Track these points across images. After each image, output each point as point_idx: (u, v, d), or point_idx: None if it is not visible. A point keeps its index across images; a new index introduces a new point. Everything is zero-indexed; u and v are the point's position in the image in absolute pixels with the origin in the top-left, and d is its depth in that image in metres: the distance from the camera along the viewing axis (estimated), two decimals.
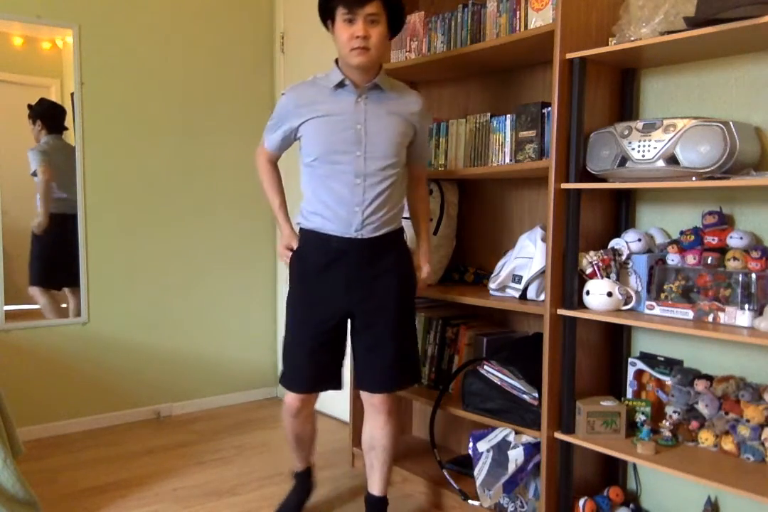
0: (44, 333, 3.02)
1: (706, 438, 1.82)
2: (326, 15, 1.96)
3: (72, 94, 3.02)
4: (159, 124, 3.25)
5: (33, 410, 3.00)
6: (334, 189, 1.95)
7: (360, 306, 2.00)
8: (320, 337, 2.01)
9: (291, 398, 2.09)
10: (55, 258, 3.10)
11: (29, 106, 2.94)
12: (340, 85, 1.95)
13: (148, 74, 3.21)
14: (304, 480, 2.33)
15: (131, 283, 3.23)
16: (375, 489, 2.19)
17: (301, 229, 2.06)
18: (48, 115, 2.99)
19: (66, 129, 3.03)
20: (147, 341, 3.29)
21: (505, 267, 2.21)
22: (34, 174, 2.97)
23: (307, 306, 2.02)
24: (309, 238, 2.02)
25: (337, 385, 2.09)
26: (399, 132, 1.99)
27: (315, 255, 2.00)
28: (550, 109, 2.04)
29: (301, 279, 2.04)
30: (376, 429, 2.13)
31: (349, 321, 2.06)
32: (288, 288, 2.08)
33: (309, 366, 2.03)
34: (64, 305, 3.10)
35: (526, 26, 2.11)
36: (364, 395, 2.10)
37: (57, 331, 3.05)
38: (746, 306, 1.68)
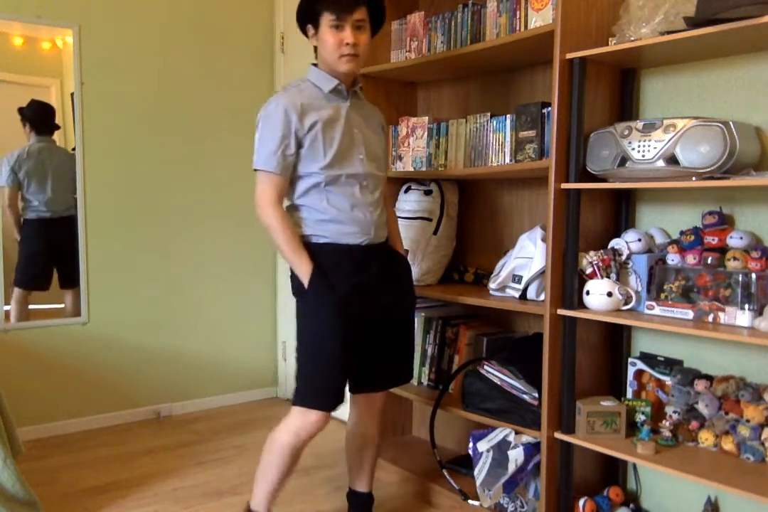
0: (44, 333, 3.02)
1: (706, 438, 1.82)
2: (308, 20, 1.91)
3: (72, 94, 3.02)
4: (159, 124, 3.25)
5: (33, 410, 3.00)
6: (347, 193, 1.89)
7: (384, 313, 1.96)
8: (356, 351, 1.92)
9: (321, 417, 1.88)
10: (32, 261, 3.08)
11: (19, 110, 2.93)
12: (335, 90, 1.92)
13: (148, 74, 3.21)
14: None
15: (131, 283, 3.23)
16: (364, 486, 2.19)
17: (310, 244, 1.88)
18: (36, 117, 2.98)
19: (57, 128, 3.01)
20: (147, 341, 3.29)
21: (505, 268, 2.21)
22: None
23: (349, 319, 1.87)
24: (327, 253, 1.88)
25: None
26: (379, 136, 2.04)
27: (340, 267, 1.88)
28: (550, 109, 2.04)
29: (332, 292, 1.85)
30: (370, 428, 2.13)
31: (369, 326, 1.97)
32: (309, 306, 1.88)
33: (343, 381, 1.92)
34: (62, 305, 3.10)
35: (526, 26, 2.11)
36: (363, 395, 2.10)
37: (57, 331, 3.05)
38: (746, 306, 1.68)
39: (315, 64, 1.96)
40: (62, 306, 3.09)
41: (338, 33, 1.84)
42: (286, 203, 1.94)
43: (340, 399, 1.90)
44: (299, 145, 1.86)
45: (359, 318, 1.89)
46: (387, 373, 2.06)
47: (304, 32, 1.96)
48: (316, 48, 1.94)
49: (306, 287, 1.84)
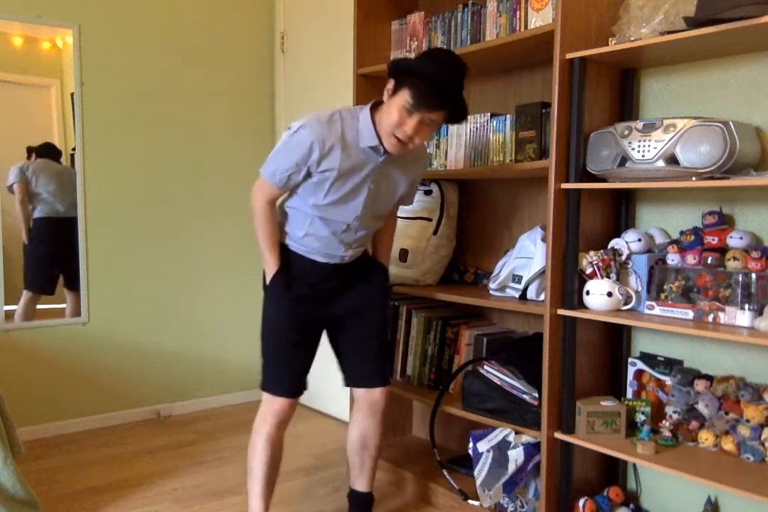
0: (44, 333, 3.02)
1: (706, 438, 1.82)
2: (395, 78, 1.82)
3: (72, 94, 3.03)
4: (159, 125, 3.25)
5: (33, 410, 3.00)
6: (326, 229, 1.96)
7: (347, 311, 2.08)
8: (305, 346, 2.06)
9: (282, 404, 2.02)
10: (42, 262, 3.10)
11: (28, 149, 2.98)
12: (374, 149, 1.88)
13: (148, 74, 3.21)
14: None
15: (131, 284, 3.23)
16: (365, 486, 2.21)
17: (288, 247, 2.03)
18: (45, 152, 3.03)
19: (59, 156, 3.06)
20: (147, 341, 3.29)
21: (505, 268, 2.21)
22: (11, 189, 2.98)
23: (297, 318, 2.03)
24: (296, 258, 2.02)
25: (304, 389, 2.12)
26: (402, 191, 2.06)
27: (303, 273, 2.02)
28: (550, 109, 2.04)
29: (285, 294, 2.01)
30: (371, 429, 2.14)
31: (332, 327, 2.14)
32: (269, 298, 2.05)
33: (296, 374, 2.05)
34: (62, 306, 3.10)
35: (526, 26, 2.11)
36: (362, 393, 2.12)
37: (57, 331, 3.05)
38: (746, 306, 1.68)
39: (375, 105, 1.89)
40: (62, 306, 3.09)
41: (407, 117, 1.78)
42: (278, 201, 2.02)
43: (296, 387, 2.04)
44: (308, 175, 1.90)
45: (315, 319, 2.06)
46: (376, 369, 2.12)
47: (389, 86, 1.84)
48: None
49: (268, 283, 2.01)
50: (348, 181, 1.90)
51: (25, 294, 3.02)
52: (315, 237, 1.98)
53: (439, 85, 1.75)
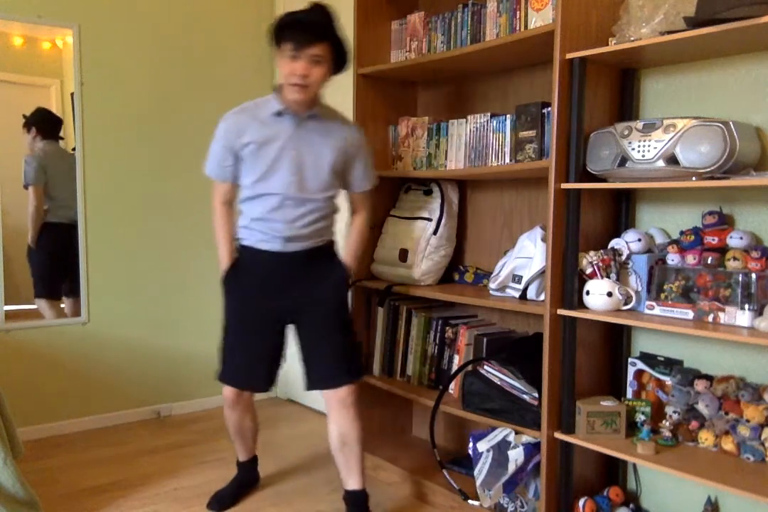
0: (44, 333, 3.02)
1: (706, 438, 1.82)
2: (275, 43, 2.03)
3: (72, 94, 3.03)
4: (159, 124, 3.25)
5: (33, 410, 3.00)
6: (266, 208, 2.09)
7: (300, 311, 2.15)
8: (254, 340, 2.17)
9: (227, 391, 2.25)
10: (54, 268, 3.08)
11: (24, 116, 2.93)
12: (280, 113, 2.07)
13: (148, 74, 3.21)
14: (247, 470, 2.48)
15: (131, 283, 3.23)
16: (356, 484, 2.22)
17: (240, 244, 2.18)
18: (43, 123, 2.98)
19: (61, 138, 3.02)
20: (147, 341, 3.29)
21: (505, 268, 2.21)
22: (26, 187, 2.96)
23: (247, 312, 2.17)
24: (246, 253, 2.17)
25: (265, 387, 2.24)
26: (330, 160, 2.11)
27: (252, 267, 2.16)
28: (550, 109, 2.04)
29: (239, 288, 2.17)
30: (346, 425, 2.17)
31: (293, 323, 2.20)
32: (223, 293, 2.21)
33: (243, 366, 2.20)
34: (63, 305, 3.10)
35: (526, 26, 2.11)
36: (328, 393, 2.16)
37: (57, 331, 3.05)
38: (746, 306, 1.68)
39: (281, 87, 2.08)
40: (62, 306, 3.09)
41: (293, 63, 1.97)
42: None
43: (243, 379, 2.22)
44: (237, 158, 2.11)
45: (261, 313, 2.15)
46: (335, 368, 2.16)
47: (276, 50, 2.05)
48: None
49: (222, 278, 2.19)
50: (269, 150, 2.06)
51: (43, 302, 3.02)
52: (259, 220, 2.11)
53: (302, 20, 1.97)
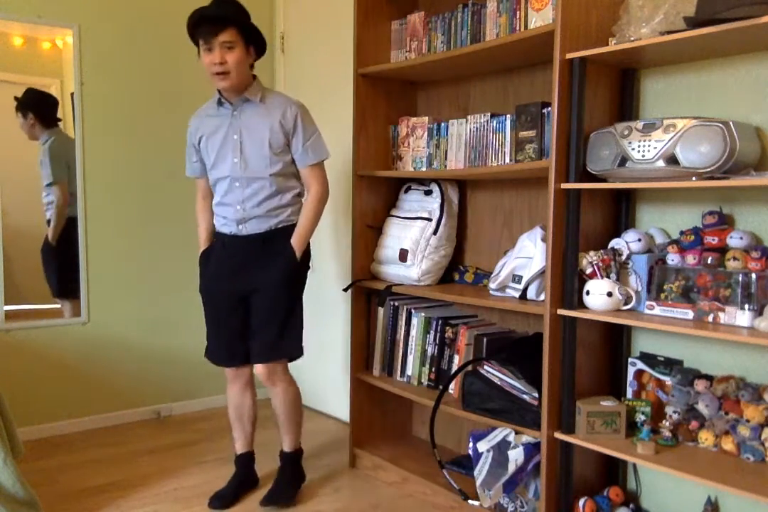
0: (44, 333, 3.02)
1: (706, 438, 1.82)
2: (193, 41, 2.22)
3: (72, 94, 3.02)
4: (159, 124, 3.25)
5: (33, 410, 3.01)
6: (221, 192, 2.30)
7: (251, 292, 2.29)
8: (222, 319, 2.36)
9: (226, 370, 2.43)
10: (74, 266, 3.09)
11: (16, 98, 2.91)
12: (219, 102, 2.29)
13: (148, 74, 3.21)
14: (245, 466, 2.51)
15: (131, 283, 3.23)
16: (286, 446, 2.48)
17: (215, 230, 2.42)
18: (40, 106, 2.96)
19: (59, 120, 3.01)
20: (147, 341, 3.29)
21: (505, 268, 2.21)
22: (50, 185, 2.97)
23: (212, 293, 2.37)
24: (216, 237, 2.40)
25: (245, 361, 2.38)
26: (269, 138, 2.23)
27: (218, 250, 2.36)
28: (550, 109, 2.04)
29: (206, 270, 2.39)
30: (273, 397, 2.42)
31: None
32: (200, 278, 2.42)
33: (220, 344, 2.38)
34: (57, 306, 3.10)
35: (526, 26, 2.10)
36: (257, 367, 2.35)
37: (57, 331, 3.05)
38: (746, 306, 1.68)
39: None
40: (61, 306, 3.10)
41: (209, 54, 2.16)
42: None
43: (222, 355, 2.38)
44: (198, 153, 2.36)
45: (224, 294, 2.32)
46: (257, 347, 2.32)
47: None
48: None
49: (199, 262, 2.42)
50: (216, 138, 2.28)
51: (66, 303, 3.05)
52: (219, 205, 2.32)
53: (204, 14, 2.14)
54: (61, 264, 3.05)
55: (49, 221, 3.01)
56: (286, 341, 2.32)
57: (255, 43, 2.24)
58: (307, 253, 2.35)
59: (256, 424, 2.51)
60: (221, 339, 2.37)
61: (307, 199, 2.31)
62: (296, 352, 2.38)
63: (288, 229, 2.29)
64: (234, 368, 2.40)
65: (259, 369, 2.33)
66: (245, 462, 2.51)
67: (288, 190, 2.29)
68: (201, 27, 2.15)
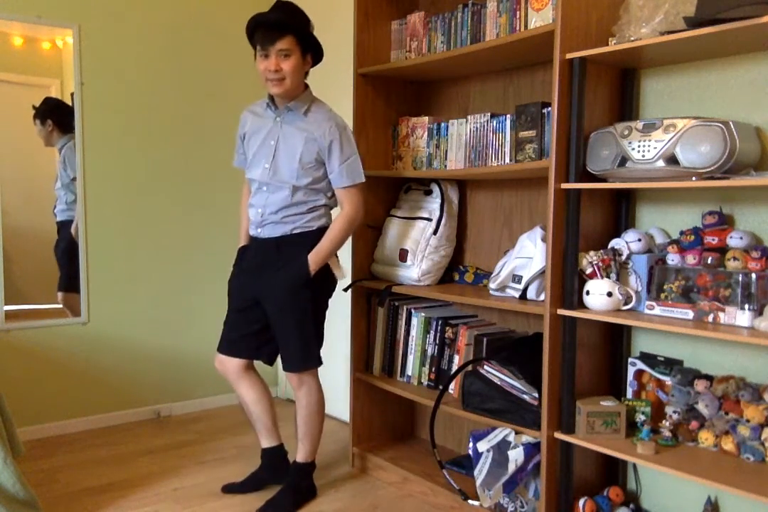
0: (44, 333, 3.02)
1: (706, 438, 1.82)
2: (252, 45, 2.21)
3: (72, 94, 3.02)
4: (159, 124, 3.25)
5: (33, 410, 3.00)
6: (251, 195, 2.34)
7: (263, 296, 2.28)
8: (232, 310, 2.39)
9: (216, 362, 2.42)
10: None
11: (34, 107, 2.94)
12: (268, 104, 2.29)
13: (148, 74, 3.21)
14: (268, 459, 2.50)
15: (131, 283, 3.23)
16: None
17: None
18: (59, 115, 2.99)
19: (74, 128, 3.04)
20: (147, 341, 3.29)
21: (505, 268, 2.21)
22: (74, 179, 3.02)
23: (233, 291, 2.40)
24: (249, 237, 2.41)
25: (249, 355, 2.39)
26: (302, 151, 2.21)
27: (246, 250, 2.39)
28: (550, 109, 2.04)
29: (234, 268, 2.42)
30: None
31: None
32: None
33: (224, 333, 2.40)
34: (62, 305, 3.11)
35: (526, 26, 2.10)
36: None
37: (57, 331, 3.05)
38: (746, 306, 1.68)
39: None
40: (62, 306, 3.09)
41: (265, 60, 2.15)
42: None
43: (232, 347, 2.37)
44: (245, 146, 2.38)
45: (238, 290, 2.36)
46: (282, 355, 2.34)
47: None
48: None
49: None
50: (256, 139, 2.30)
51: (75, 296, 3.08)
52: (249, 206, 2.34)
53: (263, 21, 2.13)
54: (71, 258, 3.09)
55: (63, 222, 3.06)
56: (293, 352, 2.29)
57: (313, 50, 2.22)
58: (327, 278, 2.27)
59: (275, 418, 2.50)
60: (233, 334, 2.38)
61: (336, 218, 2.24)
62: (303, 365, 2.33)
63: (305, 235, 2.24)
64: (224, 357, 2.38)
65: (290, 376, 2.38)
66: (271, 453, 2.49)
67: (308, 204, 2.24)
68: (259, 32, 2.13)
